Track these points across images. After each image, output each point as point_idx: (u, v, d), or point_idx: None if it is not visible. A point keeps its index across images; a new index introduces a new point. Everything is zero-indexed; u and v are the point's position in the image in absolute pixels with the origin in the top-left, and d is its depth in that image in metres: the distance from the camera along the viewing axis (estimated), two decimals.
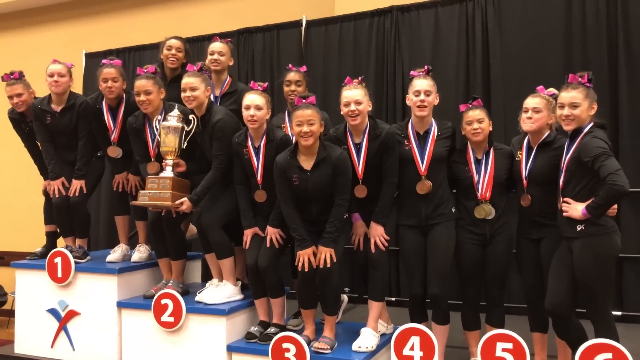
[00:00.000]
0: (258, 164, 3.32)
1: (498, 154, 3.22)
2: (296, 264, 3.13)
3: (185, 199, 3.39)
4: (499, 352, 2.84)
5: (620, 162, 2.75)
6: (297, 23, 5.36)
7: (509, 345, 2.82)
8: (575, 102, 2.79)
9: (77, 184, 3.91)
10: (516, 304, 3.94)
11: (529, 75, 4.36)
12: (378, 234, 3.20)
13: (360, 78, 3.25)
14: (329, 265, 3.05)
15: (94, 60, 6.06)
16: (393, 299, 4.71)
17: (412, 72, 3.31)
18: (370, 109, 3.23)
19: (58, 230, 4.21)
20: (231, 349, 3.32)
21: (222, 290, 3.49)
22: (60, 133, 3.94)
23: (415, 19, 4.91)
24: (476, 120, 3.16)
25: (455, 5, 4.79)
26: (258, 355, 3.21)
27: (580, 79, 2.83)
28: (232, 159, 3.41)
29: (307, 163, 3.12)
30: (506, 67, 4.58)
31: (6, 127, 4.32)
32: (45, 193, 4.14)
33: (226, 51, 3.93)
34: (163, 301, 3.47)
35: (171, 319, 3.45)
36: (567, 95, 2.82)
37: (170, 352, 3.49)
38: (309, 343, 3.11)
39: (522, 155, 3.13)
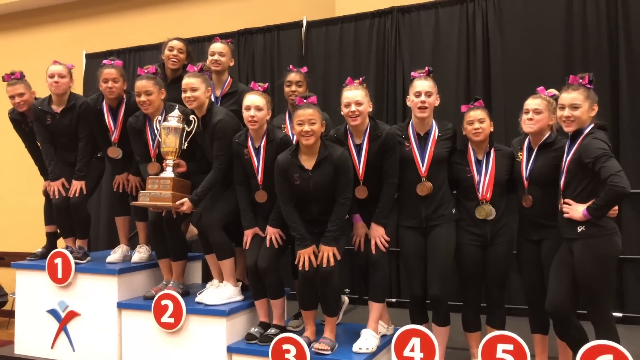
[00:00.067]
0: (258, 164, 3.31)
1: (499, 155, 3.22)
2: (296, 263, 3.13)
3: (185, 199, 3.38)
4: (499, 354, 2.83)
5: (620, 163, 2.75)
6: (298, 24, 5.36)
7: (510, 347, 2.82)
8: (576, 103, 2.79)
9: (77, 185, 3.90)
10: (517, 305, 3.93)
11: (529, 76, 4.36)
12: (379, 234, 3.20)
13: (361, 79, 3.25)
14: (332, 264, 3.05)
15: (94, 60, 6.07)
16: (393, 300, 4.71)
17: (412, 73, 3.31)
18: (370, 109, 3.23)
19: (58, 230, 4.21)
20: (231, 350, 3.32)
21: (222, 291, 3.48)
22: (61, 134, 3.94)
23: (416, 20, 4.91)
24: (477, 120, 3.16)
25: (455, 6, 4.79)
26: (258, 356, 3.20)
27: (581, 80, 2.83)
28: (232, 159, 3.41)
29: (308, 163, 3.12)
30: (507, 67, 4.57)
31: (7, 127, 4.32)
32: (46, 194, 4.14)
33: (227, 52, 3.93)
34: (163, 302, 3.47)
35: (171, 320, 3.44)
36: (568, 96, 2.82)
37: (171, 353, 3.49)
38: (309, 344, 3.11)
39: (523, 156, 3.13)
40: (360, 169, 3.21)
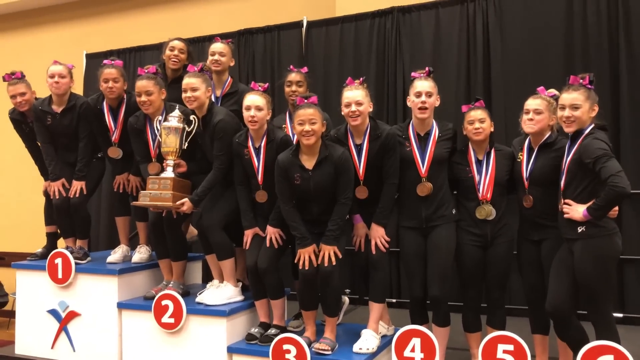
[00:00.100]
0: (259, 164, 3.31)
1: (499, 155, 3.22)
2: (296, 262, 3.13)
3: (186, 199, 3.38)
4: (500, 354, 2.83)
5: (621, 164, 2.75)
6: (298, 24, 5.36)
7: (510, 347, 2.82)
8: (576, 103, 2.79)
9: (77, 185, 3.91)
10: (517, 306, 3.93)
11: (529, 76, 4.36)
12: (379, 235, 3.20)
13: (361, 79, 3.25)
14: (333, 263, 3.05)
15: (94, 60, 6.06)
16: (394, 300, 4.71)
17: (413, 74, 3.31)
18: (371, 109, 3.23)
19: (58, 231, 4.21)
20: (232, 350, 3.32)
21: (222, 291, 3.48)
22: (61, 134, 3.94)
23: (416, 20, 4.90)
24: (478, 119, 3.16)
25: (456, 6, 4.78)
26: (259, 356, 3.20)
27: (581, 80, 2.83)
28: (232, 159, 3.41)
29: (309, 162, 3.12)
30: (507, 67, 4.57)
31: (7, 128, 4.33)
32: (46, 194, 4.14)
33: (227, 52, 3.93)
34: (163, 302, 3.47)
35: (172, 320, 3.44)
36: (568, 96, 2.82)
37: (171, 353, 3.49)
38: (309, 344, 3.11)
39: (523, 156, 3.13)
40: (361, 169, 3.21)
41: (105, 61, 3.88)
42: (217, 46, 3.92)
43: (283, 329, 3.31)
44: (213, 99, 3.67)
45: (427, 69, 3.29)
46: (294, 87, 3.67)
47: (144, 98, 3.53)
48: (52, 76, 3.87)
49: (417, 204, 3.22)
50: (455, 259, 3.24)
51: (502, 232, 3.19)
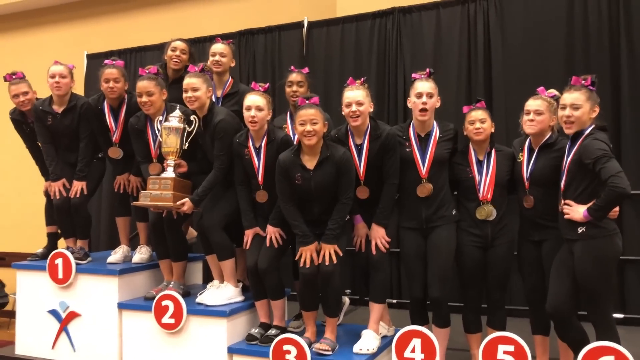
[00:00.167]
0: (259, 164, 3.31)
1: (500, 156, 3.22)
2: (297, 259, 3.13)
3: (186, 199, 3.38)
4: (500, 355, 2.83)
5: (622, 164, 2.75)
6: (299, 24, 5.36)
7: (511, 348, 2.82)
8: (577, 103, 2.79)
9: (78, 185, 3.91)
10: (518, 307, 3.92)
11: (530, 76, 4.35)
12: (379, 235, 3.20)
13: (362, 79, 3.25)
14: (334, 262, 3.05)
15: (95, 61, 6.06)
16: (394, 301, 4.70)
17: (413, 75, 3.31)
18: (371, 110, 3.23)
19: (59, 231, 4.21)
20: (232, 350, 3.32)
21: (223, 292, 3.48)
22: (62, 134, 3.94)
23: (417, 21, 4.90)
24: (478, 119, 3.16)
25: (456, 6, 4.78)
26: (259, 357, 3.20)
27: (583, 81, 2.82)
28: (233, 159, 3.41)
29: (310, 163, 3.12)
30: (508, 68, 4.57)
31: (7, 128, 4.33)
32: (47, 194, 4.14)
33: (227, 52, 3.93)
34: (164, 302, 3.47)
35: (172, 321, 3.44)
36: (569, 96, 2.82)
37: (171, 354, 3.49)
38: (309, 345, 3.11)
39: (524, 157, 3.13)
40: (361, 169, 3.21)
41: (106, 61, 3.88)
42: (218, 47, 3.92)
43: (283, 330, 3.31)
44: (214, 100, 3.66)
45: (427, 70, 3.29)
46: (294, 88, 3.67)
47: (144, 98, 3.53)
48: (52, 76, 3.87)
49: (417, 204, 3.22)
50: (455, 260, 3.23)
51: (502, 233, 3.19)
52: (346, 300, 3.75)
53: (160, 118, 3.56)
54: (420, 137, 3.25)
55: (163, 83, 3.64)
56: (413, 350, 2.99)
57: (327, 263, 3.06)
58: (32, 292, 3.99)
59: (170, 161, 3.47)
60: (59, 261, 3.84)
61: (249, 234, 3.36)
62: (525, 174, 3.10)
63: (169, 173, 3.45)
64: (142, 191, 3.52)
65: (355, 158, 3.20)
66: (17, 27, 7.39)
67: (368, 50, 5.05)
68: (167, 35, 4.29)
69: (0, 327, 6.64)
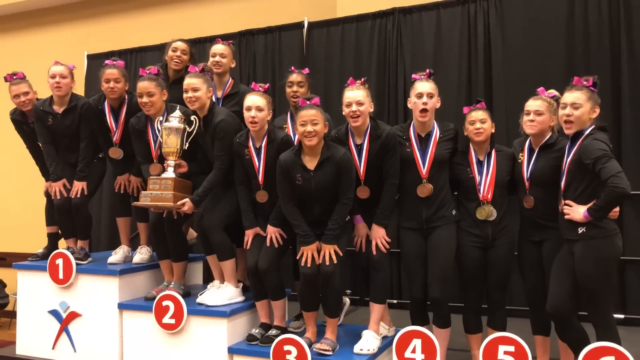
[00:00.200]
0: (259, 164, 3.31)
1: (500, 156, 3.22)
2: (298, 258, 3.13)
3: (186, 199, 3.38)
4: (500, 355, 2.83)
5: (622, 165, 2.75)
6: (299, 25, 5.36)
7: (511, 348, 2.82)
8: (578, 102, 2.79)
9: (78, 186, 3.91)
10: (518, 307, 3.92)
11: (531, 77, 4.35)
12: (379, 236, 3.20)
13: (363, 79, 3.26)
14: (335, 262, 3.05)
15: (96, 61, 6.06)
16: (395, 301, 4.70)
17: (413, 75, 3.31)
18: (372, 110, 3.23)
19: (59, 231, 4.21)
20: (232, 351, 3.32)
21: (223, 292, 3.48)
22: (62, 135, 3.95)
23: (417, 21, 4.90)
24: (479, 120, 3.16)
25: (457, 7, 4.78)
26: (259, 357, 3.20)
27: (585, 82, 2.82)
28: (233, 159, 3.41)
29: (310, 163, 3.12)
30: (508, 68, 4.57)
31: (8, 128, 4.33)
32: (47, 194, 4.14)
33: (228, 53, 3.93)
34: (164, 303, 3.47)
35: (172, 321, 3.45)
36: (570, 95, 2.82)
37: (172, 354, 3.49)
38: (310, 345, 3.11)
39: (524, 157, 3.13)
40: (361, 169, 3.21)
41: (107, 61, 3.88)
42: (218, 48, 3.92)
43: (284, 330, 3.31)
44: (214, 100, 3.67)
45: (427, 70, 3.29)
46: (295, 88, 3.67)
47: (145, 99, 3.53)
48: (53, 76, 3.87)
49: (417, 204, 3.22)
50: (455, 260, 3.23)
51: (502, 233, 3.19)
52: (346, 300, 3.75)
53: (161, 118, 3.56)
54: (421, 137, 3.25)
55: (164, 84, 3.64)
56: (414, 351, 2.98)
57: (327, 263, 3.06)
58: (33, 292, 3.99)
59: (171, 161, 3.47)
60: (60, 261, 3.84)
61: (249, 234, 3.37)
62: (526, 174, 3.10)
63: (170, 173, 3.45)
64: (142, 191, 3.52)
65: (355, 158, 3.20)
66: (18, 27, 7.40)
67: (368, 50, 5.05)
68: (167, 35, 4.29)
69: (1, 327, 6.65)
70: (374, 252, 3.19)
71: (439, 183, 3.22)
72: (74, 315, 3.84)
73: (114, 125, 3.89)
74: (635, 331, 3.85)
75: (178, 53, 4.02)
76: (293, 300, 3.55)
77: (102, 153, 4.07)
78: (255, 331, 3.33)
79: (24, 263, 4.11)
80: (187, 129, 3.46)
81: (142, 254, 3.99)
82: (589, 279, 2.75)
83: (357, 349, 3.11)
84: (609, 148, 2.72)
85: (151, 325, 3.53)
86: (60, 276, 3.84)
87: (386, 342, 3.28)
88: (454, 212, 3.24)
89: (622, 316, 4.06)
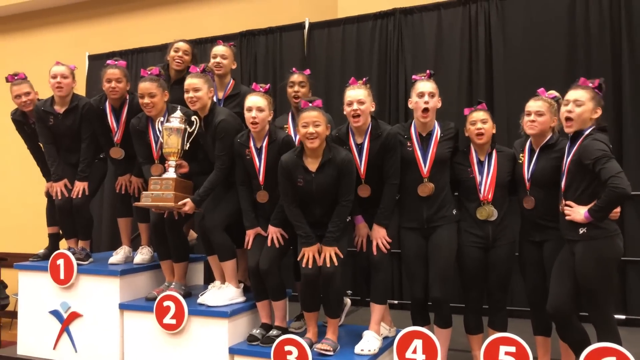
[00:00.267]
0: (260, 164, 3.32)
1: (501, 156, 3.22)
2: (299, 259, 3.13)
3: (187, 199, 3.39)
4: (501, 356, 2.83)
5: (623, 165, 2.76)
6: (300, 25, 5.37)
7: (512, 349, 2.82)
8: (580, 100, 2.79)
9: (79, 186, 3.91)
10: (519, 307, 3.93)
11: (532, 78, 4.35)
12: (380, 236, 3.20)
13: (364, 79, 3.26)
14: (335, 264, 3.05)
15: (97, 62, 6.07)
16: (395, 301, 4.70)
17: (414, 76, 3.31)
18: (373, 109, 3.23)
19: (61, 232, 4.21)
20: (233, 351, 3.32)
21: (224, 293, 3.49)
22: (63, 135, 3.95)
23: (418, 22, 4.91)
24: (480, 120, 3.16)
25: (458, 7, 4.79)
26: (260, 357, 3.20)
27: (590, 84, 2.83)
28: (234, 159, 3.41)
29: (312, 165, 3.12)
30: (509, 69, 4.57)
31: (9, 129, 4.33)
32: (48, 195, 4.15)
33: (229, 54, 3.93)
34: (165, 303, 3.47)
35: (173, 321, 3.45)
36: (574, 93, 2.82)
37: (172, 354, 3.49)
38: (311, 346, 3.11)
39: (525, 157, 3.13)
40: (362, 169, 3.21)
41: (108, 61, 3.88)
42: (219, 49, 3.92)
43: (285, 330, 3.31)
44: (215, 101, 3.67)
45: (427, 71, 3.29)
46: (296, 87, 3.68)
47: (146, 100, 3.53)
48: (54, 77, 3.87)
49: (418, 204, 3.22)
50: (456, 260, 3.23)
51: (503, 234, 3.19)
52: (347, 301, 3.74)
53: (162, 119, 3.57)
54: (422, 136, 3.25)
55: (165, 84, 3.65)
56: (414, 351, 2.98)
57: (328, 265, 3.06)
58: (34, 292, 3.99)
59: (172, 162, 3.47)
60: (61, 262, 3.85)
61: (250, 234, 3.37)
62: (526, 174, 3.10)
63: (171, 174, 3.46)
64: (143, 192, 3.53)
65: (355, 157, 3.21)
66: (19, 28, 7.41)
67: (369, 51, 5.05)
68: (168, 36, 4.30)
69: (2, 327, 6.65)
70: (375, 253, 3.19)
71: (440, 182, 3.22)
72: (75, 316, 3.84)
73: (115, 125, 3.89)
74: (636, 332, 3.85)
75: (180, 53, 4.03)
76: (294, 301, 3.55)
77: (103, 153, 4.07)
78: (256, 331, 3.34)
79: (25, 263, 4.11)
80: (188, 129, 3.47)
81: (143, 255, 3.99)
82: (589, 279, 2.75)
83: (358, 349, 3.11)
84: (609, 148, 2.72)
85: (152, 326, 3.53)
86: (61, 276, 3.84)
87: (387, 343, 3.28)
88: (454, 212, 3.23)
89: (623, 317, 4.06)
